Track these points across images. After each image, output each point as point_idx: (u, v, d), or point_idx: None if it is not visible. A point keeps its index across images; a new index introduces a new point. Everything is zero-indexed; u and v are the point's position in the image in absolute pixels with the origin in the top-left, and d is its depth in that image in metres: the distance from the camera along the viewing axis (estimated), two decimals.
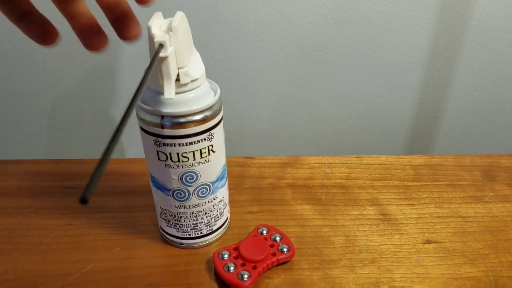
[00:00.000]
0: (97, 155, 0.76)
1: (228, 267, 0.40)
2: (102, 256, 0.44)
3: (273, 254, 0.42)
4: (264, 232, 0.44)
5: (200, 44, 0.65)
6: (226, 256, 0.41)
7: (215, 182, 0.41)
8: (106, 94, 0.71)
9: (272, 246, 0.43)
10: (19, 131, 0.75)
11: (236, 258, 0.41)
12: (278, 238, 0.44)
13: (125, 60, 0.67)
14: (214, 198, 0.42)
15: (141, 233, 0.47)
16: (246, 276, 0.39)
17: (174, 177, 0.38)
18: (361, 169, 0.57)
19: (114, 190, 0.53)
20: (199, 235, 0.43)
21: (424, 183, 0.54)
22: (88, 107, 0.72)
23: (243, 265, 0.40)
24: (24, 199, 0.52)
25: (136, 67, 0.68)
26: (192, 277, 0.41)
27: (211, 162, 0.39)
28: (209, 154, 0.38)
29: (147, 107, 0.35)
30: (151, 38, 0.32)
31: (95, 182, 0.18)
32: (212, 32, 0.64)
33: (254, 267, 0.40)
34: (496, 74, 0.69)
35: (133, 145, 0.76)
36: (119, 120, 0.22)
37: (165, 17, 0.34)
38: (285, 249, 0.42)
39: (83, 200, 0.17)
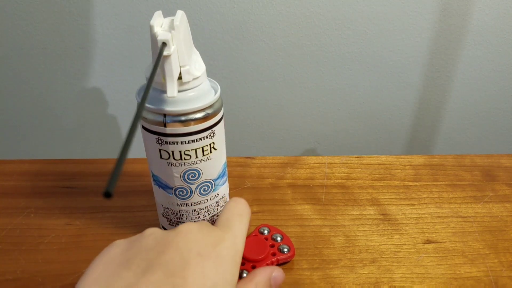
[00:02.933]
0: (97, 155, 0.76)
1: None
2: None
3: (273, 254, 0.42)
4: (265, 232, 0.44)
5: (200, 43, 0.65)
6: None
7: (216, 179, 0.41)
8: (105, 94, 0.71)
9: (272, 246, 0.43)
10: (19, 131, 0.75)
11: None
12: (279, 238, 0.44)
13: (123, 59, 0.67)
14: (215, 196, 0.42)
15: None
16: (245, 275, 0.39)
17: (176, 175, 0.38)
18: (361, 169, 0.57)
19: (114, 190, 0.53)
20: None
21: (424, 183, 0.54)
22: (87, 107, 0.72)
23: (242, 264, 0.40)
24: (24, 199, 0.51)
25: (135, 66, 0.68)
26: None
27: (213, 159, 0.39)
28: (210, 152, 0.38)
29: (149, 106, 0.36)
30: (153, 37, 0.33)
31: (117, 175, 0.18)
32: (211, 31, 0.64)
33: (254, 267, 0.40)
34: (496, 74, 0.69)
35: (133, 145, 0.76)
36: (135, 114, 0.24)
37: (164, 16, 0.35)
38: (285, 249, 0.42)
39: (107, 194, 0.18)
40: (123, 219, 0.49)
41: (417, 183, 0.54)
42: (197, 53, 0.37)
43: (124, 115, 0.73)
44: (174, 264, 0.24)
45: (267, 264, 0.41)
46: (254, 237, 0.43)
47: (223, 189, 0.43)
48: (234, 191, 0.52)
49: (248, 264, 0.40)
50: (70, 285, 0.40)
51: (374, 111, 0.73)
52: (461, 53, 0.67)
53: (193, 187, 0.39)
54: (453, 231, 0.47)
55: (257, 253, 0.41)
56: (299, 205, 0.51)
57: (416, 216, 0.49)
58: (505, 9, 0.63)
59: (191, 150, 0.37)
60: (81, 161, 0.59)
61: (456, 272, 0.42)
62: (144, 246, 0.25)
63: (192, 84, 0.36)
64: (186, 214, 0.41)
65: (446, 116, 0.74)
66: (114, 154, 0.76)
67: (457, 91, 0.71)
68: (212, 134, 0.37)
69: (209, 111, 0.36)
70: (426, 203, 0.51)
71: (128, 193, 0.52)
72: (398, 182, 0.55)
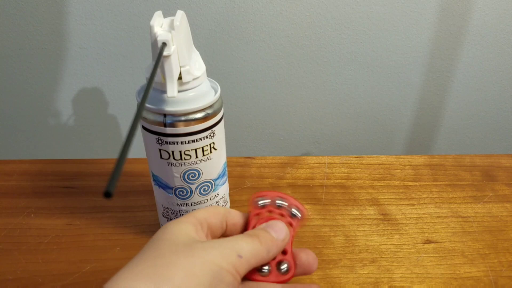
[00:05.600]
0: (97, 155, 0.76)
1: None
2: (102, 256, 0.44)
3: (289, 224, 0.32)
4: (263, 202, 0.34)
5: (200, 43, 0.65)
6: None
7: (216, 179, 0.41)
8: (105, 94, 0.71)
9: (281, 215, 0.33)
10: (19, 131, 0.75)
11: None
12: (283, 203, 0.34)
13: (123, 60, 0.67)
14: (215, 195, 0.42)
15: (141, 233, 0.47)
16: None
17: (176, 175, 0.38)
18: (361, 169, 0.57)
19: (114, 189, 0.53)
20: None
21: (424, 183, 0.54)
22: (87, 107, 0.72)
23: None
24: (24, 199, 0.52)
25: (135, 66, 0.68)
26: None
27: (213, 159, 0.39)
28: (210, 152, 0.38)
29: (149, 106, 0.36)
30: (153, 37, 0.33)
31: (118, 175, 0.19)
32: (211, 31, 0.64)
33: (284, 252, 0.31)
34: (496, 74, 0.69)
35: (133, 145, 0.76)
36: (135, 114, 0.24)
37: (164, 17, 0.35)
38: (294, 211, 0.33)
39: (107, 194, 0.18)
40: (123, 219, 0.49)
41: (417, 183, 0.54)
42: (197, 53, 0.38)
43: (124, 115, 0.73)
44: None
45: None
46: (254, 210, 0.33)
47: (223, 189, 0.43)
48: (234, 191, 0.53)
49: None
50: (70, 285, 0.40)
51: (374, 111, 0.73)
52: (461, 53, 0.67)
53: (193, 187, 0.39)
54: (453, 231, 0.47)
55: None
56: None
57: (416, 216, 0.49)
58: (505, 9, 0.63)
59: (191, 150, 0.37)
60: (81, 161, 0.59)
61: (456, 272, 0.42)
62: None
63: (192, 84, 0.36)
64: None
65: (446, 116, 0.74)
66: (114, 154, 0.76)
67: (457, 91, 0.71)
68: (212, 134, 0.37)
69: (209, 111, 0.37)
70: (426, 203, 0.51)
71: (128, 193, 0.53)
72: (398, 182, 0.55)
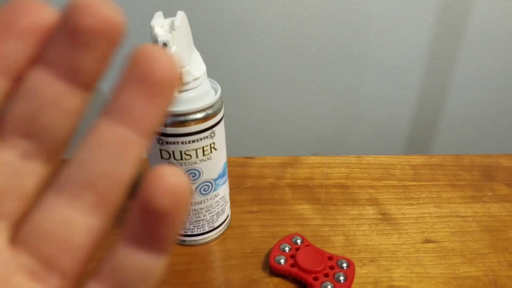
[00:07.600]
0: None
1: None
2: (102, 256, 0.44)
3: (331, 267, 0.40)
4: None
5: (200, 44, 0.65)
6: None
7: (217, 179, 0.41)
8: (105, 94, 0.71)
9: (330, 258, 0.41)
10: None
11: (292, 266, 0.40)
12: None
13: (122, 59, 0.67)
14: (216, 195, 0.42)
15: None
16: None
17: None
18: (361, 169, 0.57)
19: None
20: (201, 232, 0.43)
21: (423, 183, 0.54)
22: (87, 107, 0.72)
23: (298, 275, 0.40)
24: None
25: None
26: (192, 276, 0.41)
27: (213, 159, 0.39)
28: (211, 152, 0.38)
29: None
30: (154, 37, 0.33)
31: None
32: (211, 32, 0.64)
33: (316, 278, 0.39)
34: (495, 74, 0.69)
35: None
36: None
37: (164, 17, 0.35)
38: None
39: None
40: (123, 219, 0.49)
41: (416, 183, 0.54)
42: (198, 53, 0.38)
43: None
44: None
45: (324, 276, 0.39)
46: (311, 247, 0.42)
47: (223, 189, 0.43)
48: (234, 191, 0.53)
49: (304, 274, 0.39)
50: None
51: (373, 111, 0.73)
52: (460, 53, 0.67)
53: (194, 187, 0.39)
54: (452, 230, 0.47)
55: (313, 264, 0.39)
56: (298, 204, 0.51)
57: (415, 215, 0.49)
58: (504, 10, 0.63)
59: (192, 150, 0.37)
60: None
61: (455, 272, 0.42)
62: None
63: (192, 85, 0.36)
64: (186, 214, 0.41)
65: (445, 116, 0.74)
66: None
67: (456, 91, 0.71)
68: (212, 134, 0.38)
69: (209, 111, 0.37)
70: (425, 202, 0.51)
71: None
72: (397, 182, 0.55)
